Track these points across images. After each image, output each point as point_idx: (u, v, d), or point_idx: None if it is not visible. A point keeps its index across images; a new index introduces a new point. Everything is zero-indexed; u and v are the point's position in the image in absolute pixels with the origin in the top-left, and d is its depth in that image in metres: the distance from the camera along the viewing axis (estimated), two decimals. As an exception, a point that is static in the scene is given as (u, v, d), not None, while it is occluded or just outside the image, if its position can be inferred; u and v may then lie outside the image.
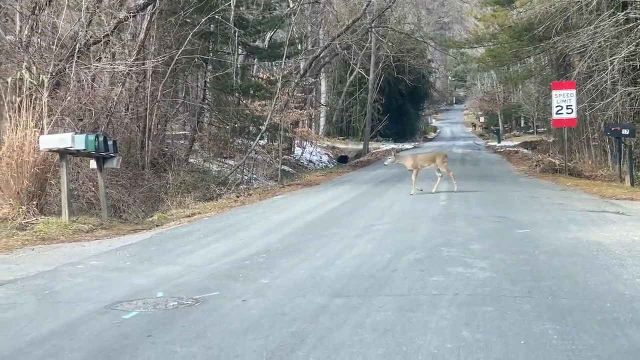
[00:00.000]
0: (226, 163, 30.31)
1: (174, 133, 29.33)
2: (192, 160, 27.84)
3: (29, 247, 12.11)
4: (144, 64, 22.35)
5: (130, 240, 12.57)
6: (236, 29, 25.33)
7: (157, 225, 15.26)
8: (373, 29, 44.65)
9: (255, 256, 9.85)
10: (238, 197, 20.95)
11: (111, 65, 20.86)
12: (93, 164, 15.79)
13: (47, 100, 15.76)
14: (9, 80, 15.08)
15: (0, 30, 19.64)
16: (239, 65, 32.00)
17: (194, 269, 8.98)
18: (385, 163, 21.05)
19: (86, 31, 19.82)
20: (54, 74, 17.68)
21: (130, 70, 21.72)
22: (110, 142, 15.52)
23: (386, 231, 11.96)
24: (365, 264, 8.86)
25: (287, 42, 32.52)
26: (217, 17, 25.28)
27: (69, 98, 17.08)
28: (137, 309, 6.81)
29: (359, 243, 10.73)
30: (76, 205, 16.87)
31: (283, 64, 32.82)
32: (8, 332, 6.15)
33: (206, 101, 31.77)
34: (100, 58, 21.24)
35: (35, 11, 19.03)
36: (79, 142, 14.25)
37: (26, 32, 19.48)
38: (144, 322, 6.32)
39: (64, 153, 14.28)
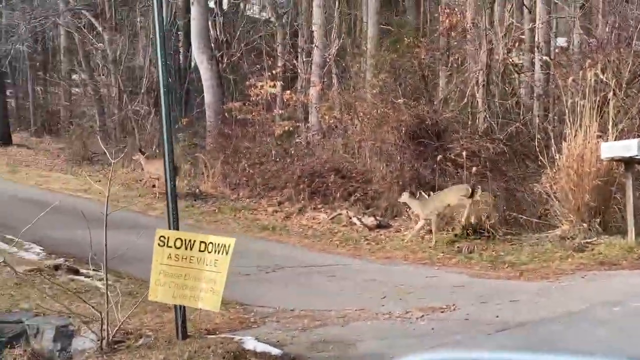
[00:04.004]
0: None
1: None
2: None
3: (581, 273, 10.44)
4: None
5: None
6: None
7: None
8: None
9: None
10: None
11: None
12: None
13: (618, 104, 13.78)
14: (570, 80, 13.47)
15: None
16: None
17: None
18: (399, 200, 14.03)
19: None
20: (630, 72, 15.58)
21: None
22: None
23: None
24: None
25: None
26: None
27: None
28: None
29: None
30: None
31: None
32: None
33: None
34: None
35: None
36: (648, 149, 11.96)
37: (607, 29, 17.73)
38: None
39: (629, 162, 12.15)
